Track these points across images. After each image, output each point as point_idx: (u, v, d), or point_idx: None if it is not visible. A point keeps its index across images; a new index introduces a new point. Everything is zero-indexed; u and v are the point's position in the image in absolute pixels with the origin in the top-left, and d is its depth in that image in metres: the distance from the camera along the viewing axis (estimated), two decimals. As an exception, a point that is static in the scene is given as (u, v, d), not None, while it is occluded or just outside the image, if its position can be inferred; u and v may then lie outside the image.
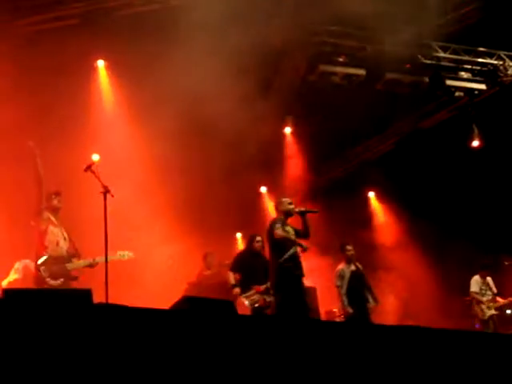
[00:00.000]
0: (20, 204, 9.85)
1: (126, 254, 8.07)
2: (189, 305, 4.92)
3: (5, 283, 9.64)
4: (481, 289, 11.22)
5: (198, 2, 9.68)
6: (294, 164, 13.74)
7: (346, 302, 9.75)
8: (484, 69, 12.24)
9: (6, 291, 4.90)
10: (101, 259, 7.64)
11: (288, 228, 8.31)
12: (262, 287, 9.03)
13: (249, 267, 9.38)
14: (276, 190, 14.30)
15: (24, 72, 9.58)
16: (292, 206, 8.43)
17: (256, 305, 8.98)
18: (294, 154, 13.69)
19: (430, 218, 12.71)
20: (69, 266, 7.70)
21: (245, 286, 9.26)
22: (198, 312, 4.61)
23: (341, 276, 9.91)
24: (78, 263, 7.80)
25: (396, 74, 11.63)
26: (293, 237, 8.24)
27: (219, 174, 11.58)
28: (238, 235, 14.71)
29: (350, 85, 11.36)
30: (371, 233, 14.27)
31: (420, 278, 13.07)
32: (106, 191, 7.14)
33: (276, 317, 7.78)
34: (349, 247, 10.21)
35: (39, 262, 7.66)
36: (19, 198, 9.80)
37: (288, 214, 8.42)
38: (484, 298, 11.12)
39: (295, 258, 8.19)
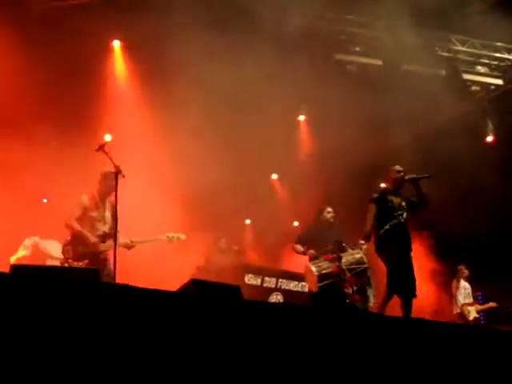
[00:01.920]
0: (28, 182, 9.92)
1: (176, 236, 7.86)
2: (196, 288, 4.93)
3: (13, 259, 9.72)
4: (462, 293, 11.56)
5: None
6: (307, 152, 13.72)
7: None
8: (501, 64, 12.17)
9: (15, 267, 4.95)
10: (139, 241, 7.65)
11: (394, 199, 7.89)
12: (331, 256, 8.56)
13: (318, 239, 9.01)
14: (287, 178, 14.33)
15: (39, 51, 9.61)
16: (400, 175, 7.98)
17: (324, 271, 8.50)
18: (307, 141, 13.68)
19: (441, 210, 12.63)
20: (102, 246, 7.51)
21: (313, 257, 8.89)
22: (205, 295, 4.61)
23: None
24: (109, 244, 7.46)
25: (412, 65, 11.58)
26: (399, 207, 7.84)
27: (231, 160, 11.57)
28: (247, 221, 14.75)
29: (366, 75, 11.33)
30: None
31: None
32: (117, 172, 7.10)
33: (282, 304, 7.76)
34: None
35: (65, 243, 7.57)
36: (28, 176, 9.87)
37: (397, 182, 8.00)
38: (467, 301, 11.48)
39: (394, 231, 7.73)
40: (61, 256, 10.23)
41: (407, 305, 7.52)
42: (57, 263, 10.02)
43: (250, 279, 10.77)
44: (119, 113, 11.10)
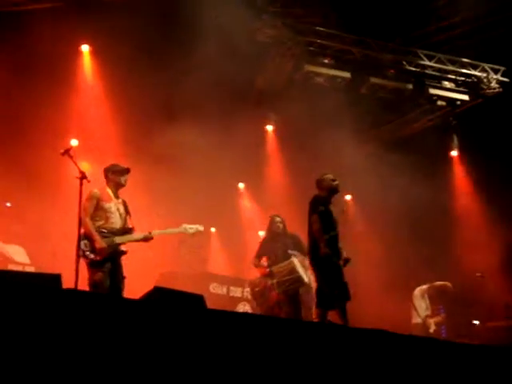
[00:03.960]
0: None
1: (195, 228, 7.63)
2: (159, 296, 4.90)
3: (-26, 264, 9.56)
4: (423, 304, 11.60)
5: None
6: (275, 162, 13.75)
7: None
8: (468, 80, 12.35)
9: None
10: (158, 232, 7.45)
11: (332, 208, 7.68)
12: (268, 270, 8.72)
13: (270, 251, 9.07)
14: (254, 187, 14.35)
15: (6, 54, 9.50)
16: (336, 183, 7.77)
17: (256, 289, 8.72)
18: (274, 151, 13.71)
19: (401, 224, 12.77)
20: (117, 239, 7.17)
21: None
22: (168, 304, 4.59)
23: None
24: (127, 237, 7.29)
25: (380, 79, 11.71)
26: (335, 218, 7.64)
27: (198, 168, 11.53)
28: (213, 230, 14.70)
29: (335, 87, 11.42)
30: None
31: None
32: (82, 177, 7.06)
33: (244, 314, 7.75)
34: None
35: (82, 236, 7.10)
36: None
37: (333, 192, 7.78)
38: (427, 312, 11.53)
39: (332, 242, 7.47)
40: (24, 261, 10.14)
41: (344, 312, 7.38)
42: (19, 268, 9.89)
43: (215, 288, 10.74)
44: (87, 117, 11.01)
